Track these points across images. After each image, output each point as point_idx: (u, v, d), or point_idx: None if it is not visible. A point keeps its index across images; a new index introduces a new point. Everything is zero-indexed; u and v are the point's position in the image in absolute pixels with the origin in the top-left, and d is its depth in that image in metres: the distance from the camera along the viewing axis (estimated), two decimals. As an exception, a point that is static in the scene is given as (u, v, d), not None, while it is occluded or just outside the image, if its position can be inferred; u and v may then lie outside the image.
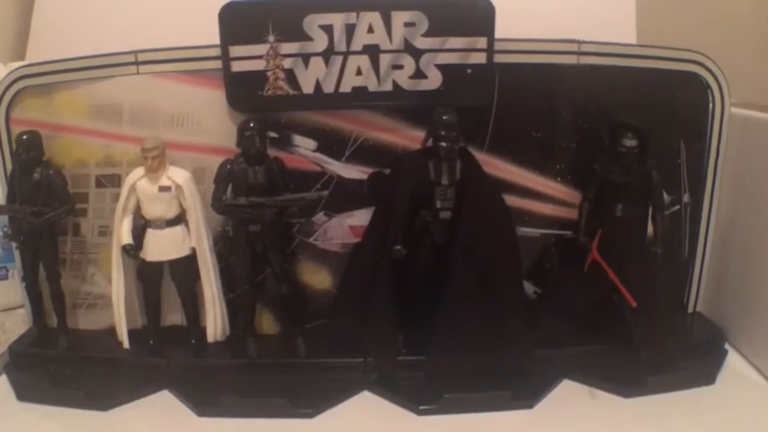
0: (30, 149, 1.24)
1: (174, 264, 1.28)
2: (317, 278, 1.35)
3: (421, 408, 1.18)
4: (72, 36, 1.56)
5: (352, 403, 1.22)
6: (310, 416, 1.18)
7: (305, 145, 1.29)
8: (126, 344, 1.30)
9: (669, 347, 1.25)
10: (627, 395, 1.21)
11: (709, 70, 1.30)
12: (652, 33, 1.47)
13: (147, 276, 1.29)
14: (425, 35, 1.21)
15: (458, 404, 1.18)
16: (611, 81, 1.28)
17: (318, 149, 1.29)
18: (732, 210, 1.37)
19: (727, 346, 1.34)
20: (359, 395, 1.23)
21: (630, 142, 1.21)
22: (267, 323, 1.36)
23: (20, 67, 1.29)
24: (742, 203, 1.35)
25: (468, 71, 1.22)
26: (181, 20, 1.39)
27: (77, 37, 1.51)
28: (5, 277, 1.51)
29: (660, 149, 1.29)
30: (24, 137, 1.24)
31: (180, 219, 1.27)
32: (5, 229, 1.34)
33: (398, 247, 1.21)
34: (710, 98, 1.31)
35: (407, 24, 1.20)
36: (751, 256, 1.32)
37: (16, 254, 1.33)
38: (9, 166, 1.31)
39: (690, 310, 1.41)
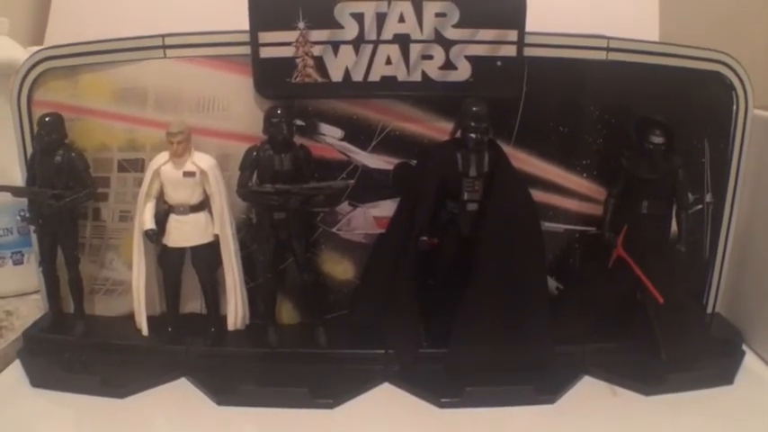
0: (51, 132, 1.23)
1: (196, 250, 1.27)
2: (340, 268, 1.34)
3: (443, 401, 1.18)
4: (91, 21, 1.55)
5: (373, 395, 1.21)
6: (331, 406, 1.17)
7: (331, 134, 1.28)
8: (144, 330, 1.29)
9: (689, 346, 1.25)
10: (646, 393, 1.21)
11: (734, 70, 1.30)
12: (675, 32, 1.47)
13: (169, 262, 1.28)
14: (456, 26, 1.20)
15: (480, 398, 1.17)
16: (637, 78, 1.27)
17: (345, 138, 1.28)
18: (752, 211, 1.37)
19: (744, 347, 1.33)
20: (380, 387, 1.22)
21: (658, 139, 1.21)
22: (288, 313, 1.35)
23: (44, 49, 1.28)
24: (762, 205, 1.35)
25: (498, 63, 1.22)
26: (207, 4, 1.39)
27: (97, 22, 1.49)
28: (21, 262, 1.50)
29: (684, 148, 1.29)
30: (46, 119, 1.23)
31: (203, 205, 1.26)
32: (23, 213, 1.32)
33: (425, 237, 1.21)
34: (734, 98, 1.32)
35: (438, 15, 1.20)
36: (770, 258, 1.32)
37: (34, 238, 1.31)
38: (30, 149, 1.29)
39: (709, 310, 1.41)
